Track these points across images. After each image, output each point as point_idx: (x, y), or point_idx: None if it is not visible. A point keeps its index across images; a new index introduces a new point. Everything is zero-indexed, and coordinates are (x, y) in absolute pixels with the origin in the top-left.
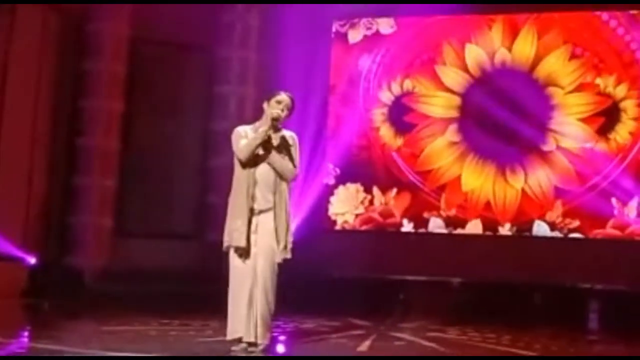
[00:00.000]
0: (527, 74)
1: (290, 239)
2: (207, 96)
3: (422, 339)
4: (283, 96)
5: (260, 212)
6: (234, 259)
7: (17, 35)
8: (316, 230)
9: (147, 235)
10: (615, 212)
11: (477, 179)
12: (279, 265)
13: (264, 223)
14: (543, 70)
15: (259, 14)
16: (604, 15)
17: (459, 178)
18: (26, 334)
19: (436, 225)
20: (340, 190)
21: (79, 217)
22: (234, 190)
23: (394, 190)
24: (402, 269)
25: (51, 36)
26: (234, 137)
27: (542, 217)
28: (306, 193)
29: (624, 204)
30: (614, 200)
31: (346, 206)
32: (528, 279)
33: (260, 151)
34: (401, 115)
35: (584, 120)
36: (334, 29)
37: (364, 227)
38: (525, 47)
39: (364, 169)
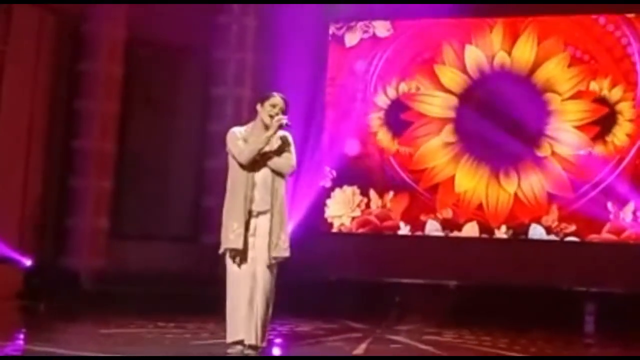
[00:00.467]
0: (526, 78)
1: (284, 237)
2: (203, 98)
3: (418, 342)
4: (277, 99)
5: (259, 214)
6: (230, 262)
7: (13, 36)
8: (313, 232)
9: (143, 237)
10: (611, 216)
11: (470, 181)
12: (277, 267)
13: (261, 225)
14: (541, 75)
15: (256, 15)
16: (601, 19)
17: (452, 178)
18: (22, 336)
19: (433, 228)
20: (337, 193)
21: (74, 218)
22: (230, 192)
23: (391, 193)
24: (399, 272)
25: (47, 37)
26: (229, 138)
27: (538, 221)
28: (303, 196)
29: (620, 208)
30: (609, 205)
31: (343, 209)
32: (524, 282)
33: (259, 154)
34: (398, 113)
35: (579, 127)
36: (330, 32)
37: (360, 230)
38: (525, 51)
39: (361, 172)
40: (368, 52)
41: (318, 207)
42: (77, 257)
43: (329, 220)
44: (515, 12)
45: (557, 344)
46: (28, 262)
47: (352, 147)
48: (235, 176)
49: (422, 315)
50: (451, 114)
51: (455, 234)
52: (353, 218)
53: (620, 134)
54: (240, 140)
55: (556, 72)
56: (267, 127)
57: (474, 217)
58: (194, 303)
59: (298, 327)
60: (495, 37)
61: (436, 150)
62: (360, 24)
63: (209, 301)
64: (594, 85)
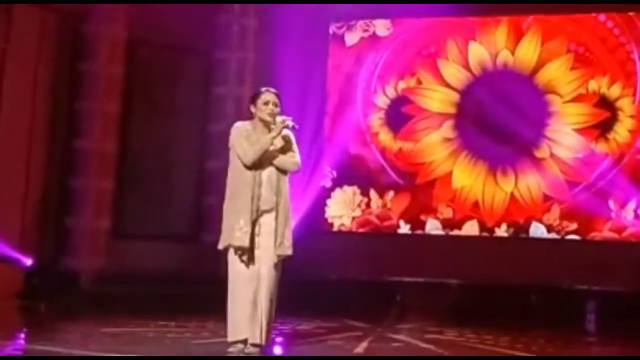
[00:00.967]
0: (528, 78)
1: (288, 235)
2: (204, 97)
3: (420, 341)
4: (267, 95)
5: (264, 212)
6: (235, 260)
7: (14, 36)
8: (313, 232)
9: (144, 237)
10: (613, 214)
11: (467, 178)
12: (280, 266)
13: (267, 223)
14: (544, 76)
15: (256, 15)
16: (601, 16)
17: (450, 174)
18: (23, 335)
19: (433, 227)
20: (337, 193)
21: (76, 218)
22: (234, 189)
23: (391, 193)
24: (399, 271)
25: (48, 37)
26: (234, 135)
27: (539, 220)
28: (303, 195)
29: (622, 206)
30: (611, 203)
31: (343, 209)
32: (525, 281)
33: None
34: (399, 107)
35: (579, 130)
36: (331, 31)
37: (360, 230)
38: (528, 51)
39: (361, 172)
40: (368, 51)
41: (318, 207)
42: (78, 256)
43: (330, 220)
44: (517, 11)
45: (558, 343)
46: (29, 262)
47: (352, 147)
48: (240, 174)
49: (423, 313)
50: (452, 110)
51: (456, 232)
52: (353, 218)
53: (621, 131)
54: (245, 139)
55: (559, 74)
56: (266, 125)
57: (470, 214)
58: (194, 302)
59: (299, 325)
60: (500, 35)
61: (435, 145)
62: (361, 23)
63: (209, 300)
64: (592, 84)
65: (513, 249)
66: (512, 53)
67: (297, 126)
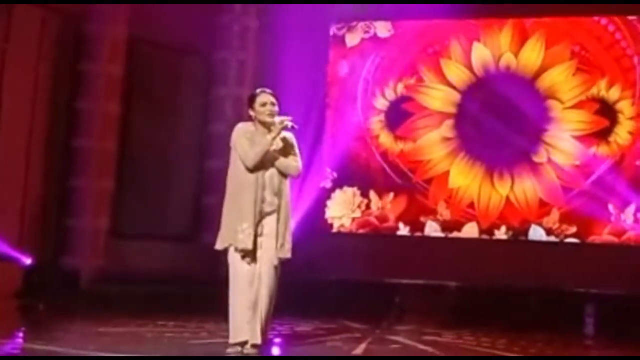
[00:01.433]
0: (530, 82)
1: (288, 237)
2: (204, 98)
3: (418, 343)
4: (263, 96)
5: (267, 214)
6: (236, 261)
7: (14, 36)
8: (313, 233)
9: (143, 237)
10: (612, 218)
11: (464, 178)
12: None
13: (268, 225)
14: (546, 81)
15: (257, 15)
16: (603, 20)
17: (446, 174)
18: (21, 334)
19: (432, 229)
20: (337, 194)
21: (75, 218)
22: (236, 190)
23: (391, 194)
24: (398, 273)
25: (49, 37)
26: (236, 135)
27: (538, 223)
28: (303, 196)
29: (621, 210)
30: (610, 207)
31: (343, 210)
32: (524, 283)
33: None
34: (399, 105)
35: (578, 138)
36: (331, 32)
37: (360, 231)
38: (532, 55)
39: (361, 173)
40: (369, 53)
41: (318, 207)
42: (77, 256)
43: (329, 221)
44: (518, 12)
45: (556, 346)
46: (28, 261)
47: (352, 148)
48: (242, 175)
49: (421, 315)
50: (452, 109)
51: (455, 234)
52: (353, 219)
53: (622, 133)
54: (246, 140)
55: (560, 80)
56: (267, 126)
57: (465, 215)
58: (193, 302)
59: (297, 327)
60: (504, 37)
61: (433, 144)
62: (361, 24)
63: (208, 301)
64: (593, 90)
65: (512, 251)
66: (516, 56)
67: (296, 126)
